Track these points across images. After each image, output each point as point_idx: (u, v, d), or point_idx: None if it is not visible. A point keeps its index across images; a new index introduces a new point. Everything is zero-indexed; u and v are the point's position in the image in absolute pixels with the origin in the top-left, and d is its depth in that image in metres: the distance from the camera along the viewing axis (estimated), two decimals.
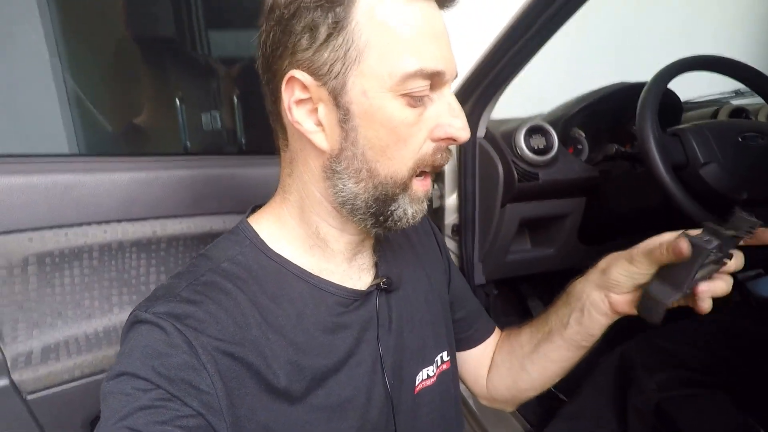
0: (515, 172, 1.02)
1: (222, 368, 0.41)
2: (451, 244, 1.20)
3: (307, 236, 0.50)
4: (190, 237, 0.80)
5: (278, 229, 0.51)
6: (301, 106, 0.44)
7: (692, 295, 0.45)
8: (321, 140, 0.44)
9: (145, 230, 0.75)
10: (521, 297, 1.43)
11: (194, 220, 0.79)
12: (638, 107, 0.87)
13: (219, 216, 0.82)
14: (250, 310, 0.45)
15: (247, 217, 0.53)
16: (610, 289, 0.52)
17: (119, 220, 0.73)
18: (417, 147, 0.44)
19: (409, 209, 0.47)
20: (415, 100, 0.43)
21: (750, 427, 0.70)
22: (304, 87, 0.43)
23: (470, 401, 1.21)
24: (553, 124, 1.07)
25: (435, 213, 1.19)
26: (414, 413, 0.55)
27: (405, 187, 0.45)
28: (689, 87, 1.18)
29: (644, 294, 0.47)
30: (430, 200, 1.15)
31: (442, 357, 0.59)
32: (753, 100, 1.38)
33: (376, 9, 0.41)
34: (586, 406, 0.84)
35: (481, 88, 1.00)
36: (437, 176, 1.16)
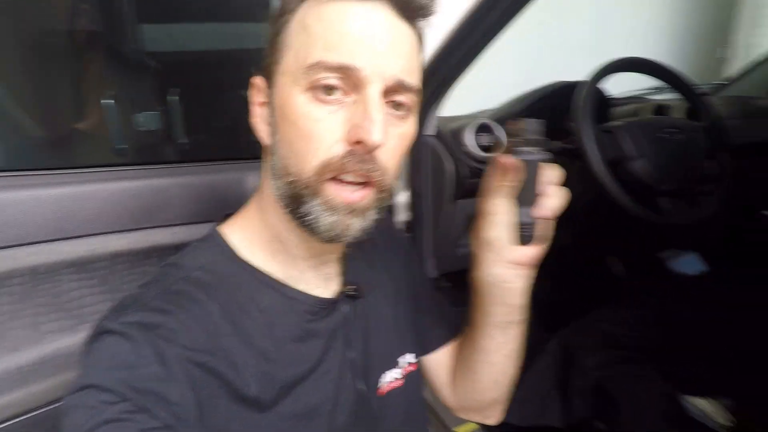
0: (465, 169, 1.05)
1: (193, 378, 0.41)
2: None
3: (270, 241, 0.50)
4: (135, 253, 0.75)
5: (247, 236, 0.51)
6: (263, 108, 0.48)
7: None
8: (264, 137, 0.48)
9: (82, 249, 0.69)
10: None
11: (139, 235, 0.75)
12: (576, 106, 0.93)
13: (167, 228, 0.78)
14: (221, 320, 0.45)
15: (218, 224, 0.53)
16: (498, 252, 0.51)
17: (50, 240, 0.67)
18: (325, 146, 0.42)
19: (323, 218, 0.43)
20: (323, 95, 0.42)
21: (673, 394, 0.79)
22: (260, 90, 0.48)
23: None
24: (498, 121, 1.11)
25: (387, 210, 1.19)
26: (380, 416, 0.56)
27: (314, 191, 0.43)
28: (617, 85, 1.27)
29: (516, 227, 0.50)
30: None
31: (408, 359, 0.61)
32: (669, 96, 1.51)
33: (303, 14, 0.43)
34: (533, 390, 0.90)
35: (430, 88, 1.02)
36: None
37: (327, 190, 0.43)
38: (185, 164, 0.84)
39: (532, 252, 0.51)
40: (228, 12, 1.11)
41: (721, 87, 1.71)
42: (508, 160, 0.46)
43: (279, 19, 0.45)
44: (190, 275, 0.46)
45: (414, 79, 0.45)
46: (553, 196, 0.49)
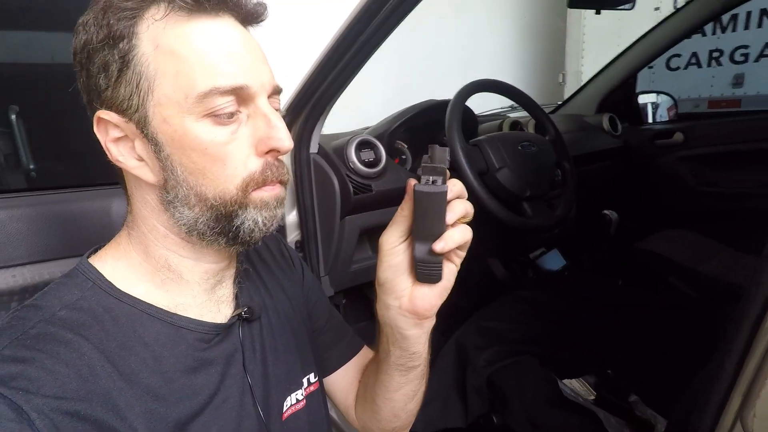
0: (350, 186, 1.06)
1: (64, 431, 0.37)
2: None
3: (156, 271, 0.47)
4: (18, 290, 0.66)
5: (125, 268, 0.47)
6: (120, 143, 0.44)
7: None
8: (146, 174, 0.44)
9: None
10: (368, 301, 1.50)
11: (25, 270, 0.66)
12: (446, 124, 1.00)
13: (57, 262, 0.68)
14: (97, 360, 0.41)
15: (87, 257, 0.48)
16: (392, 295, 0.48)
17: None
18: (240, 164, 0.43)
19: (258, 218, 0.45)
20: (223, 118, 0.42)
21: (551, 378, 0.89)
22: (115, 125, 0.43)
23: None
24: (378, 138, 1.14)
25: (278, 231, 1.15)
26: None
27: (242, 204, 0.44)
28: (481, 103, 1.42)
29: (415, 264, 0.45)
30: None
31: (309, 379, 0.59)
32: (522, 114, 1.74)
33: (160, 37, 0.41)
34: (435, 392, 0.93)
35: (310, 104, 1.01)
36: None
37: (254, 198, 0.44)
38: (31, 193, 0.71)
39: (429, 299, 0.47)
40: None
41: (560, 107, 2.02)
42: (408, 187, 0.43)
43: (113, 47, 0.41)
44: (54, 315, 0.42)
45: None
46: (455, 231, 0.44)
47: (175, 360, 0.45)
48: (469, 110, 1.25)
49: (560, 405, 0.81)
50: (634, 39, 1.73)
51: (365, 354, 0.68)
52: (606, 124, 1.68)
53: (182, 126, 0.41)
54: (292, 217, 1.14)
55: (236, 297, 0.54)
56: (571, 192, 1.11)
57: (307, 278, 0.67)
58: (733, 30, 2.45)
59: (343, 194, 1.07)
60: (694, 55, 2.63)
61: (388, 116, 1.28)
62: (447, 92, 1.27)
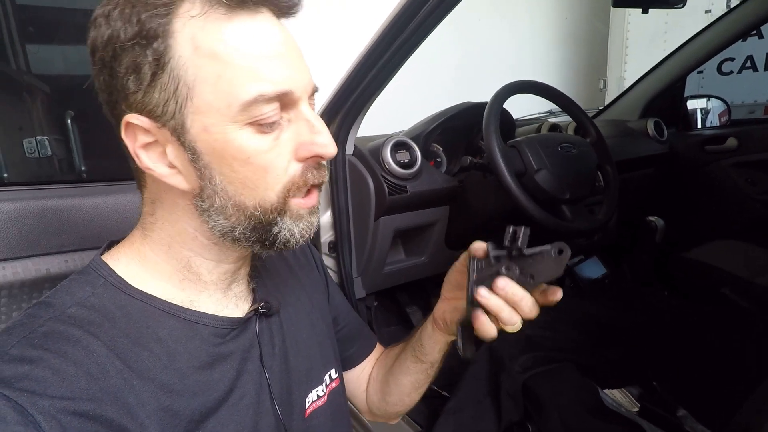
0: (385, 186, 1.06)
1: None
2: (328, 261, 1.19)
3: (176, 271, 0.46)
4: (19, 284, 0.66)
5: (140, 266, 0.46)
6: (149, 149, 0.42)
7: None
8: (179, 182, 0.42)
9: None
10: (400, 306, 1.50)
11: (26, 263, 0.66)
12: (483, 124, 0.99)
13: (60, 255, 0.69)
14: (107, 358, 0.40)
15: (101, 254, 0.47)
16: (437, 314, 0.59)
17: None
18: (281, 172, 0.42)
19: (295, 228, 0.44)
20: (266, 126, 0.40)
21: (590, 387, 0.84)
22: (146, 130, 0.40)
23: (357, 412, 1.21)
24: (414, 139, 1.14)
25: None
26: None
27: (281, 211, 0.43)
28: (517, 108, 1.40)
29: (468, 300, 0.48)
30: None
31: (330, 375, 0.59)
32: (561, 119, 1.70)
33: (199, 38, 0.37)
34: (467, 398, 0.91)
35: (347, 107, 1.03)
36: None
37: (291, 207, 0.44)
38: (79, 184, 0.75)
39: (448, 317, 0.58)
40: None
41: (601, 112, 1.96)
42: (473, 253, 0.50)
43: (145, 46, 0.37)
44: (64, 313, 0.40)
45: None
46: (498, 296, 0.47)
47: (189, 355, 0.44)
48: (506, 112, 1.24)
49: (601, 415, 0.77)
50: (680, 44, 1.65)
51: (377, 348, 0.74)
52: (651, 129, 1.61)
53: (224, 135, 0.39)
54: (326, 217, 1.16)
55: (254, 292, 0.53)
56: (614, 196, 1.07)
57: (328, 277, 0.69)
58: None
59: (378, 195, 1.07)
60: (749, 58, 2.49)
61: (425, 118, 1.28)
62: (483, 97, 1.26)
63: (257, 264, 0.55)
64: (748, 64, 2.51)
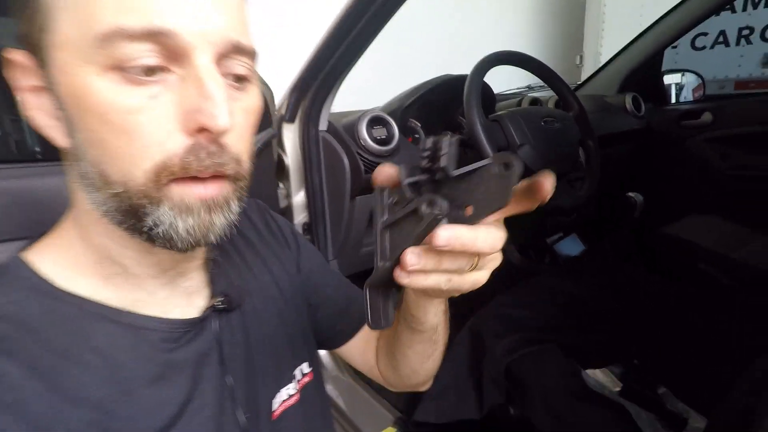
0: (361, 164, 1.00)
1: None
2: None
3: (99, 263, 0.38)
4: None
5: (69, 260, 0.38)
6: (37, 94, 0.34)
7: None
8: (57, 136, 0.35)
9: None
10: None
11: None
12: (464, 98, 0.94)
13: (6, 244, 0.59)
14: (25, 380, 0.32)
15: (22, 250, 0.39)
16: None
17: None
18: (155, 143, 0.32)
19: (179, 223, 0.33)
20: (136, 75, 0.31)
21: (573, 368, 0.83)
22: (25, 69, 0.34)
23: (339, 401, 1.18)
24: (391, 114, 1.09)
25: (283, 213, 1.11)
26: None
27: (152, 198, 0.33)
28: (496, 84, 1.35)
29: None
30: (277, 200, 1.07)
31: (302, 369, 0.53)
32: (541, 93, 1.66)
33: None
34: (449, 383, 0.88)
35: (319, 80, 0.96)
36: (281, 174, 1.08)
37: (172, 193, 0.33)
38: (33, 164, 0.65)
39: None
40: None
41: (579, 87, 1.94)
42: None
43: None
44: None
45: (248, 38, 0.35)
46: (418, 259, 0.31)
47: (134, 367, 0.37)
48: (487, 86, 1.19)
49: (585, 397, 0.76)
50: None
51: None
52: (629, 104, 1.60)
53: (81, 79, 0.31)
54: (299, 197, 1.10)
55: (211, 284, 0.45)
56: (596, 172, 1.04)
57: (304, 250, 0.59)
58: (766, 5, 2.32)
59: (354, 173, 1.02)
60: (722, 33, 2.50)
61: (401, 92, 1.21)
62: (454, 70, 1.20)
63: (213, 248, 0.47)
64: (721, 39, 2.52)
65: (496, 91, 1.58)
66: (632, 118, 1.57)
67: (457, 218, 0.28)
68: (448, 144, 0.29)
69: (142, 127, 0.31)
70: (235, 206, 0.37)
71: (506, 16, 3.10)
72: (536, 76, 1.10)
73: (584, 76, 2.85)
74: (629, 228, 1.40)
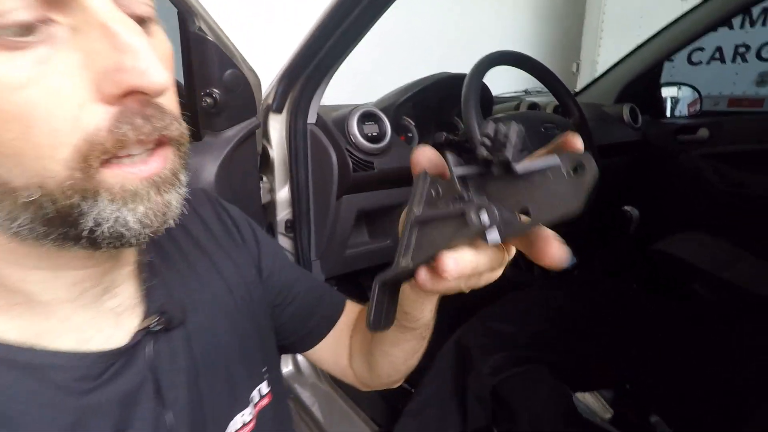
0: (350, 161, 0.95)
1: None
2: (285, 242, 1.08)
3: None
4: None
5: None
6: None
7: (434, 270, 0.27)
8: None
9: None
10: (363, 291, 1.41)
11: None
12: (462, 98, 0.89)
13: None
14: None
15: None
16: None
17: None
18: (65, 119, 0.24)
19: (128, 215, 0.27)
20: (13, 36, 0.23)
21: (563, 392, 0.79)
22: None
23: (314, 409, 1.13)
24: (384, 111, 1.03)
25: (265, 209, 1.05)
26: None
27: (87, 191, 0.26)
28: (491, 86, 1.30)
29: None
30: (259, 194, 1.00)
31: (260, 391, 0.46)
32: (539, 98, 1.63)
33: None
34: (430, 399, 0.84)
35: (309, 69, 0.90)
36: (265, 167, 1.02)
37: (108, 179, 0.26)
38: None
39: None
40: None
41: (576, 95, 1.91)
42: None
43: None
44: None
45: None
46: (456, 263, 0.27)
47: (39, 418, 0.29)
48: (486, 87, 1.14)
49: (575, 423, 0.72)
50: (656, 31, 1.62)
51: (351, 309, 0.57)
52: (626, 115, 1.57)
53: None
54: (283, 193, 1.04)
55: (146, 298, 0.37)
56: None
57: (264, 246, 0.51)
58: (764, 24, 2.32)
59: (342, 170, 0.96)
60: (719, 49, 2.50)
61: (396, 89, 1.16)
62: (447, 70, 1.15)
63: (142, 260, 0.39)
64: (717, 55, 2.52)
65: (495, 93, 1.54)
66: (629, 130, 1.54)
67: (509, 223, 0.24)
68: (516, 133, 0.24)
69: (38, 105, 0.23)
70: (184, 178, 0.31)
71: (504, 15, 3.06)
72: (537, 79, 1.05)
73: (580, 84, 2.83)
74: (623, 242, 1.37)
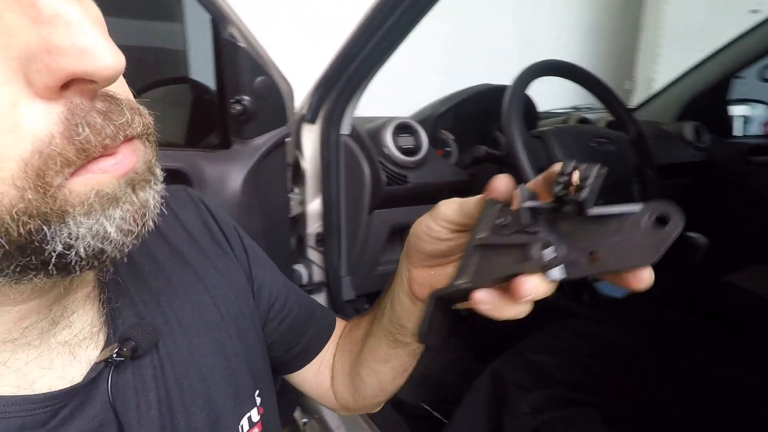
0: (383, 174, 0.91)
1: None
2: (314, 256, 1.05)
3: None
4: None
5: None
6: None
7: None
8: None
9: None
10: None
11: None
12: (504, 109, 0.83)
13: None
14: None
15: None
16: (409, 254, 0.36)
17: None
18: (4, 133, 0.19)
19: (106, 225, 0.22)
20: None
21: None
22: None
23: None
24: (421, 123, 0.99)
25: (295, 221, 1.02)
26: None
27: (47, 213, 0.21)
28: (537, 102, 1.23)
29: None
30: (289, 206, 0.98)
31: (250, 419, 0.40)
32: (590, 115, 1.53)
33: None
34: None
35: (343, 79, 0.88)
36: (297, 178, 1.00)
37: (77, 188, 0.21)
38: None
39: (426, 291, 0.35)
40: None
41: (632, 111, 1.79)
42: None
43: None
44: None
45: None
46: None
47: None
48: (529, 99, 1.07)
49: None
50: (721, 45, 1.51)
51: (338, 328, 0.53)
52: (689, 133, 1.44)
53: None
54: (314, 205, 1.01)
55: (109, 323, 0.32)
56: None
57: (252, 254, 0.46)
58: None
59: (374, 184, 0.92)
60: None
61: (435, 101, 1.12)
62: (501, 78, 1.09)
63: (103, 278, 0.33)
64: None
65: (540, 108, 1.46)
66: (692, 149, 1.41)
67: (576, 265, 0.24)
68: (595, 175, 0.24)
69: None
70: (160, 173, 0.26)
71: (551, 30, 2.96)
72: (588, 90, 0.98)
73: (634, 102, 2.68)
74: (688, 272, 1.23)
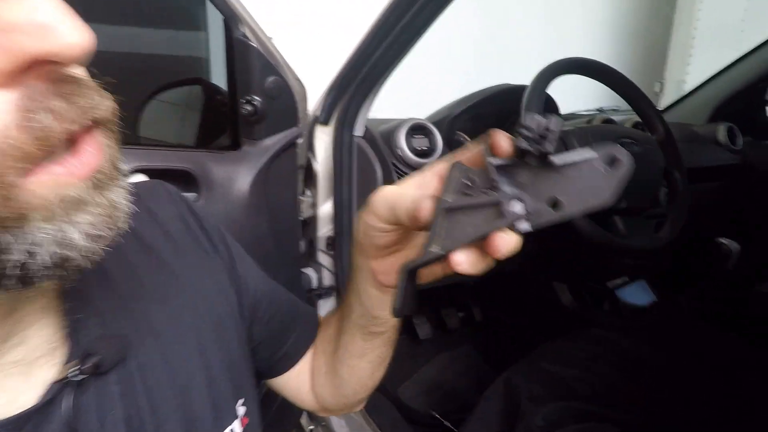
0: (395, 177, 0.89)
1: None
2: (325, 259, 1.04)
3: None
4: None
5: None
6: None
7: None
8: None
9: None
10: (407, 315, 1.32)
11: None
12: (523, 107, 0.80)
13: None
14: None
15: None
16: (363, 249, 0.35)
17: None
18: None
19: (71, 232, 0.20)
20: None
21: None
22: None
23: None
24: (436, 124, 0.97)
25: (306, 224, 1.01)
26: None
27: (5, 219, 0.19)
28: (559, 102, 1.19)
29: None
30: (300, 209, 0.97)
31: (234, 428, 0.38)
32: (616, 117, 1.48)
33: None
34: None
35: (358, 79, 0.87)
36: (309, 180, 0.99)
37: (37, 190, 0.19)
38: None
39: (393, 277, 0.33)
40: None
41: (662, 113, 1.72)
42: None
43: None
44: None
45: None
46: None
47: None
48: (551, 98, 1.04)
49: None
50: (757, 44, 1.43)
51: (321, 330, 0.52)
52: (722, 135, 1.38)
53: None
54: (326, 208, 1.00)
55: (70, 337, 0.29)
56: (682, 211, 0.85)
57: (236, 253, 0.44)
58: None
59: (386, 185, 0.90)
60: None
61: (453, 101, 1.09)
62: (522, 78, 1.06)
63: (63, 286, 0.30)
64: None
65: (561, 110, 1.41)
66: (726, 152, 1.35)
67: (540, 213, 0.26)
68: (558, 126, 0.25)
69: None
70: (125, 167, 0.24)
71: (576, 29, 2.88)
72: (613, 89, 0.94)
73: (663, 105, 2.57)
74: (718, 281, 1.17)
